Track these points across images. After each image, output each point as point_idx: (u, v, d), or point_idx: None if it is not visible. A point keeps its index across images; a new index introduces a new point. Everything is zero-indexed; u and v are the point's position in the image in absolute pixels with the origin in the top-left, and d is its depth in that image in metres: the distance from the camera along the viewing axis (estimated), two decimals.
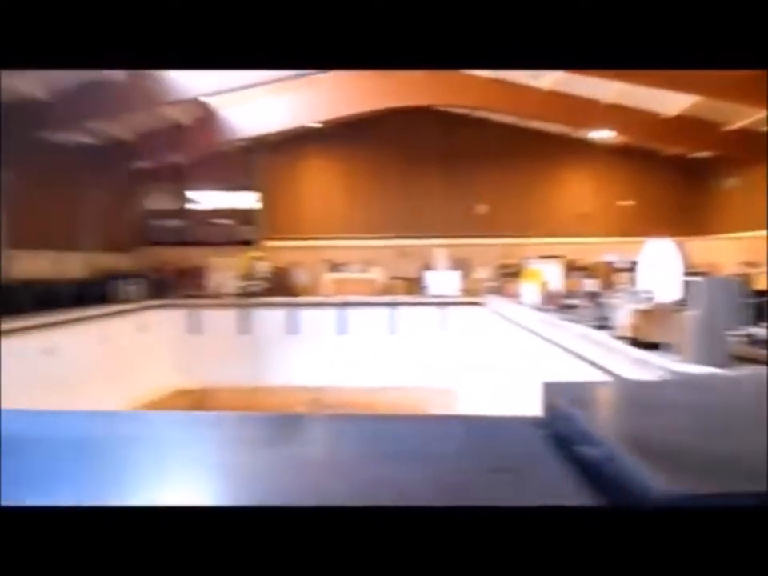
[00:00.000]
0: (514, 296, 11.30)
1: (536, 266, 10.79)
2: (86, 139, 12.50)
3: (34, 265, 11.61)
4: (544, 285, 9.96)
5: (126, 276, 13.64)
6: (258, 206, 16.33)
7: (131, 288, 13.28)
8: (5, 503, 0.83)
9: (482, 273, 14.79)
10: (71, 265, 12.84)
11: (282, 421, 1.02)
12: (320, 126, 14.66)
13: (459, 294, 13.82)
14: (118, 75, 10.20)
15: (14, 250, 10.75)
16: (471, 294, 13.65)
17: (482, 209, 15.87)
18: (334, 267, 15.31)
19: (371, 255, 15.41)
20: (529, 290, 10.15)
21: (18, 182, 10.55)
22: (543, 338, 8.16)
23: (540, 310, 9.13)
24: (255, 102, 12.97)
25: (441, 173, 15.91)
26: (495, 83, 12.34)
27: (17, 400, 7.64)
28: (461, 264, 14.67)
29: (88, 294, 11.93)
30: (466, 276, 14.39)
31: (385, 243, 15.63)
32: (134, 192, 15.68)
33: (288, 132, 14.51)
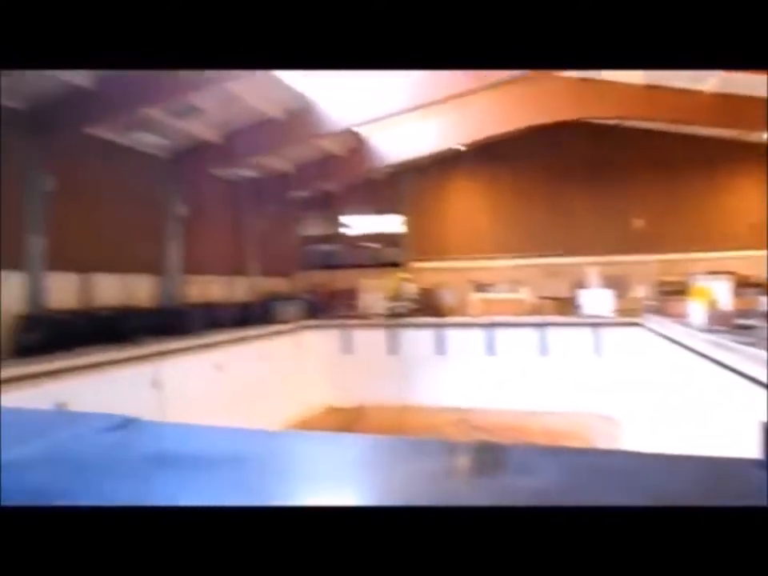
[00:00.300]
0: (678, 316, 10.47)
1: (703, 283, 9.93)
2: (250, 173, 13.61)
3: (206, 289, 12.79)
4: (712, 303, 9.13)
5: (284, 298, 14.59)
6: (405, 228, 16.72)
7: (289, 309, 14.15)
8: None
9: (640, 291, 13.90)
10: (237, 289, 13.98)
11: (462, 448, 0.99)
12: (464, 148, 14.73)
13: (614, 313, 13.08)
14: (277, 112, 11.01)
15: (190, 275, 11.93)
16: (628, 314, 12.86)
17: (638, 223, 14.97)
18: (481, 287, 15.20)
19: (518, 274, 15.10)
20: (695, 310, 9.35)
21: (193, 214, 11.72)
22: (714, 361, 7.46)
23: (708, 331, 8.37)
24: (402, 127, 13.34)
25: (590, 187, 15.26)
26: (649, 90, 11.64)
27: (191, 412, 8.41)
28: (615, 282, 13.91)
29: (251, 316, 12.91)
30: (621, 295, 13.59)
31: (532, 262, 15.24)
32: (291, 220, 16.77)
33: (433, 156, 14.74)
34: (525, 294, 14.43)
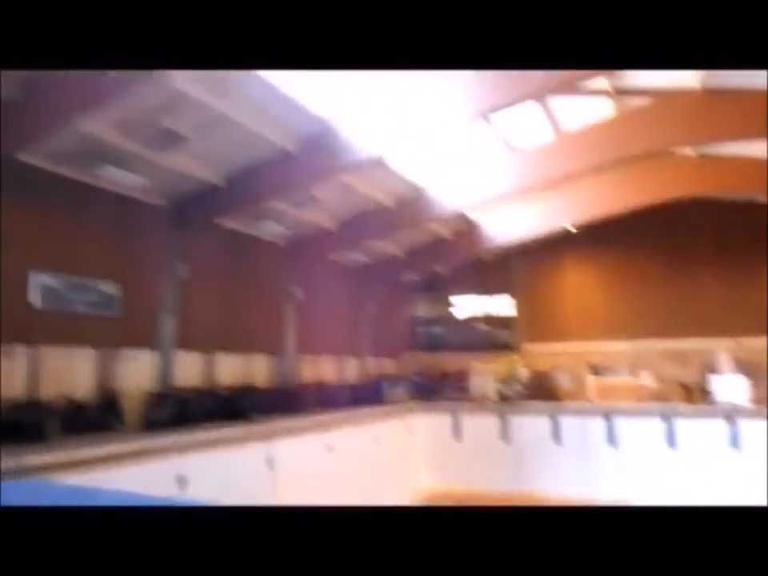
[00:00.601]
0: None
1: None
2: (362, 257, 14.14)
3: (319, 368, 13.15)
4: None
5: (393, 379, 14.64)
6: (516, 310, 16.47)
7: (398, 391, 14.15)
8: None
9: None
10: (348, 369, 14.25)
11: None
12: (575, 229, 14.51)
13: (752, 402, 11.90)
14: (389, 201, 11.50)
15: (304, 355, 12.35)
16: None
17: None
18: (597, 371, 14.47)
19: (638, 358, 14.26)
20: None
21: (308, 297, 12.27)
22: None
23: None
24: (511, 209, 13.43)
25: (718, 265, 14.37)
26: None
27: (302, 493, 8.46)
28: (752, 367, 12.73)
29: (360, 396, 13.03)
30: (758, 382, 12.39)
31: (653, 344, 14.37)
32: (401, 301, 17.08)
33: (543, 237, 14.61)
34: (646, 379, 13.55)
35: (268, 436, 8.96)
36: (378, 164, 9.79)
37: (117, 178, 8.03)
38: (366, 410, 12.30)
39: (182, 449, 7.27)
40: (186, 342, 9.51)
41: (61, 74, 5.73)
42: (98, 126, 7.08)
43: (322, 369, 13.25)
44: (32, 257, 7.41)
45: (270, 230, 11.13)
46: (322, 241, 12.14)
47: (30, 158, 7.26)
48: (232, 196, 9.33)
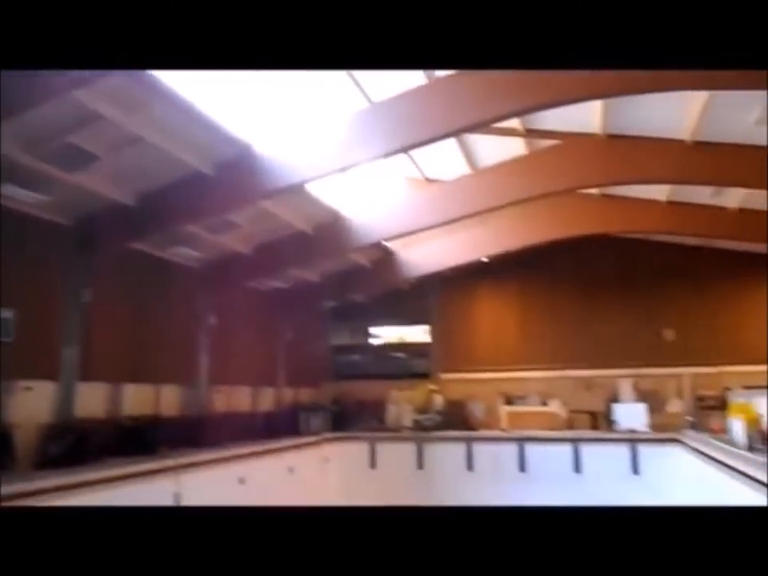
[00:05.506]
0: (718, 432, 10.07)
1: (743, 398, 9.57)
2: (279, 284, 13.95)
3: (234, 399, 12.73)
4: (755, 421, 8.72)
5: (310, 409, 14.42)
6: (432, 339, 16.70)
7: (315, 420, 13.94)
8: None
9: (676, 405, 13.43)
10: (264, 399, 13.89)
11: None
12: (488, 260, 14.94)
13: (650, 428, 12.58)
14: (307, 227, 11.43)
15: (217, 385, 11.93)
16: (666, 429, 12.35)
17: (668, 334, 14.73)
18: (511, 400, 14.86)
19: (549, 387, 14.77)
20: (737, 426, 8.95)
21: (220, 324, 11.89)
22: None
23: (753, 449, 7.97)
24: (430, 241, 13.68)
25: (620, 299, 15.22)
26: (671, 206, 11.88)
27: None
28: (651, 396, 13.48)
29: (277, 426, 12.75)
30: (656, 409, 13.13)
31: (563, 374, 14.94)
32: (318, 330, 16.93)
33: (460, 268, 14.93)
34: (556, 407, 14.04)
35: (175, 470, 8.55)
36: (298, 190, 9.74)
37: (18, 197, 7.56)
38: (282, 441, 12.03)
39: (77, 488, 6.80)
40: (90, 373, 8.94)
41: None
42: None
43: (237, 399, 12.84)
44: None
45: (184, 254, 10.78)
46: (237, 266, 11.86)
47: None
48: (144, 218, 8.96)
